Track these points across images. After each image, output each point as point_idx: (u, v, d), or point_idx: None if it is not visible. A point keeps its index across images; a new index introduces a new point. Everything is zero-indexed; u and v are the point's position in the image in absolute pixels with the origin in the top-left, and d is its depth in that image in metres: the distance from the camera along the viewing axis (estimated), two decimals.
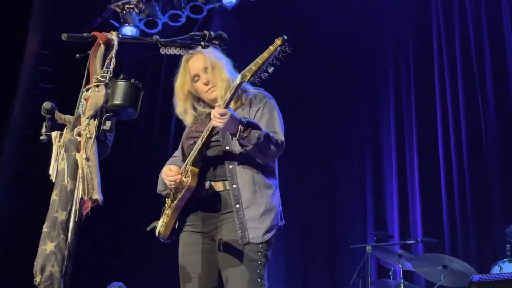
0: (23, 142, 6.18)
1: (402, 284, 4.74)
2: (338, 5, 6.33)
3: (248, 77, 2.38)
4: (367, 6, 6.34)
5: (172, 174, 2.63)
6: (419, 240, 4.94)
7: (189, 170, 2.56)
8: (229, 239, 2.55)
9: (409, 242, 4.94)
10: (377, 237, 5.03)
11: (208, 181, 2.61)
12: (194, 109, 2.83)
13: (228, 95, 2.43)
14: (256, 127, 2.49)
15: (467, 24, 5.84)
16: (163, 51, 2.31)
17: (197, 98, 2.85)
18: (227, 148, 2.62)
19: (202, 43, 2.34)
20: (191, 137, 2.77)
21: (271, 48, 2.40)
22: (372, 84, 6.35)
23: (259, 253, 2.55)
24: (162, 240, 2.69)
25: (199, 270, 2.63)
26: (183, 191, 2.55)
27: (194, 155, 2.57)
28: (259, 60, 2.39)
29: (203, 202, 2.61)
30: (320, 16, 6.32)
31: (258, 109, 2.70)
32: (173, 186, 2.64)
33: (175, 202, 2.60)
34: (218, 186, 2.62)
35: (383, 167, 6.00)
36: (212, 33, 2.36)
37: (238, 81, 2.41)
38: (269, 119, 2.69)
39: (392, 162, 5.89)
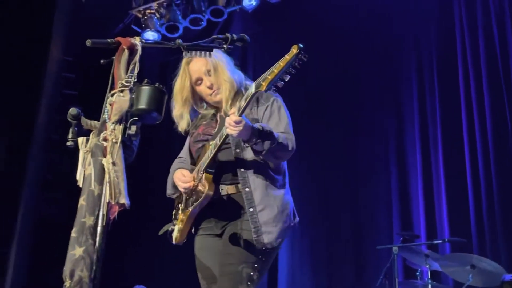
0: (49, 149, 6.25)
1: (429, 285, 4.69)
2: (359, 4, 6.30)
3: (264, 86, 2.34)
4: (390, 4, 6.30)
5: (186, 180, 2.64)
6: (446, 239, 4.87)
7: (203, 177, 2.57)
8: (238, 237, 2.56)
9: (436, 242, 4.88)
10: (403, 238, 4.98)
11: (220, 185, 2.62)
12: (191, 114, 2.83)
13: (243, 104, 2.41)
14: (269, 133, 2.47)
15: (490, 19, 5.76)
16: (185, 55, 2.32)
17: (198, 100, 2.84)
18: (238, 151, 2.62)
19: (225, 46, 2.35)
20: (199, 140, 2.77)
21: (286, 57, 2.35)
22: (395, 82, 6.30)
23: (260, 257, 2.55)
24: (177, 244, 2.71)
25: (214, 275, 2.64)
26: (200, 199, 2.56)
27: (208, 161, 2.57)
28: (275, 69, 2.35)
29: (216, 205, 2.62)
30: (343, 15, 6.29)
31: (266, 108, 2.69)
32: (186, 192, 2.64)
33: (189, 209, 2.61)
34: (231, 189, 2.62)
35: (407, 166, 5.94)
36: (234, 35, 2.37)
37: (253, 90, 2.39)
38: (278, 118, 2.68)
39: (416, 160, 5.83)
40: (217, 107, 2.81)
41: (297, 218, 2.73)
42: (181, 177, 2.67)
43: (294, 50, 2.34)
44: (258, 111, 2.68)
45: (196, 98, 2.83)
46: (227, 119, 2.41)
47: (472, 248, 5.19)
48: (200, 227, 2.72)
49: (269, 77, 2.34)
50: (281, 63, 2.34)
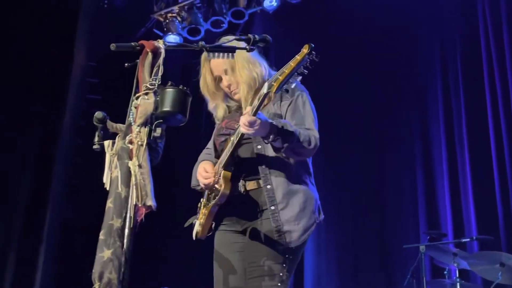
0: (74, 153, 6.31)
1: (458, 284, 4.64)
2: (381, 4, 6.26)
3: (275, 87, 2.30)
4: (412, 4, 6.25)
5: (207, 175, 2.62)
6: (474, 237, 4.81)
7: (221, 174, 2.55)
8: (261, 235, 2.53)
9: (464, 240, 4.83)
10: (430, 236, 4.93)
11: (241, 180, 2.60)
12: (226, 100, 2.81)
13: (256, 103, 2.38)
14: (288, 129, 2.44)
15: None
16: (209, 56, 2.33)
17: (225, 93, 2.82)
18: (259, 147, 2.59)
19: (247, 46, 2.35)
20: (222, 134, 2.75)
21: (297, 57, 2.30)
22: (420, 81, 6.26)
23: (287, 256, 2.52)
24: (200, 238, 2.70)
25: (234, 270, 2.62)
26: (217, 198, 2.55)
27: (226, 158, 2.55)
28: (286, 70, 2.31)
29: (237, 201, 2.59)
30: (364, 14, 6.26)
31: (290, 103, 2.64)
32: (207, 188, 2.65)
33: (209, 206, 2.60)
34: (251, 185, 2.59)
35: (433, 164, 5.89)
36: (256, 36, 2.37)
37: (265, 90, 2.35)
38: (302, 114, 2.63)
39: (442, 158, 5.78)
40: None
41: (322, 216, 2.68)
42: (203, 172, 2.65)
43: (304, 50, 2.31)
44: (281, 106, 2.64)
45: (223, 90, 2.81)
46: (241, 118, 2.39)
47: (500, 245, 5.13)
48: (221, 223, 2.70)
49: (280, 77, 2.30)
50: (292, 64, 2.30)
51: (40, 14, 5.88)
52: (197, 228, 2.67)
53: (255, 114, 2.36)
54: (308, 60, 2.31)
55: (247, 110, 2.40)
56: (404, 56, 6.36)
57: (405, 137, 6.17)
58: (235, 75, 2.68)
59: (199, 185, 2.73)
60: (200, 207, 2.74)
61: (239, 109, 2.78)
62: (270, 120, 2.42)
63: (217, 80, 2.77)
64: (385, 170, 6.18)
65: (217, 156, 2.72)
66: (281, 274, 2.49)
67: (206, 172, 2.65)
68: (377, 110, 6.33)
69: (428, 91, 6.15)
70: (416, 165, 5.98)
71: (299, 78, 2.36)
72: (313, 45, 2.31)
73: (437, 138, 5.92)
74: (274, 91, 2.31)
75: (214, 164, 2.69)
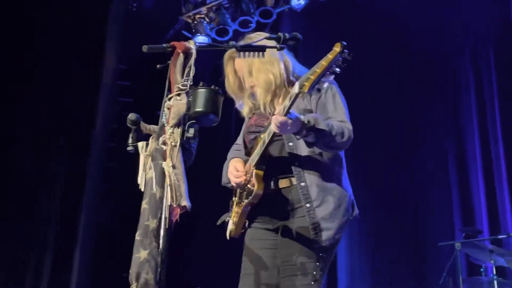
0: (106, 157, 6.38)
1: (495, 281, 4.57)
2: (412, 2, 6.19)
3: (307, 87, 2.26)
4: (445, 8, 6.18)
5: (238, 174, 2.60)
6: (511, 234, 4.74)
7: (253, 173, 2.53)
8: (295, 233, 2.50)
9: (500, 236, 4.76)
10: (465, 233, 4.87)
11: (273, 178, 2.58)
12: (253, 98, 2.77)
13: (288, 103, 2.34)
14: (320, 123, 2.40)
15: None
16: (239, 56, 2.33)
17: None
18: (291, 144, 2.56)
19: (278, 45, 2.34)
20: (252, 131, 2.73)
21: (329, 56, 2.27)
22: (452, 80, 6.18)
23: (320, 254, 2.49)
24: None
25: (265, 266, 2.59)
26: (250, 198, 2.53)
27: (258, 157, 2.53)
28: (317, 69, 2.26)
29: (269, 199, 2.56)
30: (394, 9, 6.20)
31: (320, 97, 2.60)
32: (239, 186, 2.63)
33: (242, 205, 2.59)
34: (284, 182, 2.57)
35: (467, 160, 5.82)
36: (286, 34, 2.36)
37: (296, 90, 2.31)
38: (334, 107, 2.58)
39: (476, 153, 5.70)
40: None
41: (357, 211, 2.64)
42: (234, 171, 2.64)
43: (336, 48, 2.27)
44: (311, 101, 2.60)
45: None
46: (272, 118, 2.37)
47: None
48: (254, 220, 2.68)
49: (311, 77, 2.26)
50: (324, 63, 2.27)
51: (69, 19, 5.95)
52: (230, 227, 2.66)
53: (286, 114, 2.34)
54: (341, 58, 2.28)
55: (278, 110, 2.37)
56: (436, 50, 6.27)
57: (438, 132, 6.10)
58: (252, 77, 2.67)
59: (229, 182, 2.73)
60: (232, 205, 2.74)
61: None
62: (301, 116, 2.39)
63: (241, 79, 2.75)
64: (419, 166, 6.12)
65: (247, 153, 2.71)
66: (314, 272, 2.46)
67: (237, 171, 2.63)
68: (409, 106, 6.26)
69: (461, 86, 6.07)
70: (449, 161, 5.91)
71: (332, 77, 2.33)
72: (345, 43, 2.28)
73: (470, 133, 5.84)
74: (306, 91, 2.28)
75: (245, 162, 2.69)
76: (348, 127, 2.51)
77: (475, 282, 4.93)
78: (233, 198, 2.74)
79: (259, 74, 2.64)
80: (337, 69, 2.30)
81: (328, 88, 2.62)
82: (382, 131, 6.21)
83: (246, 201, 2.56)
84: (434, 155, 6.07)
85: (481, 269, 4.88)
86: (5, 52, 5.56)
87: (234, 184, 2.65)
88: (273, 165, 2.58)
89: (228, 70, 2.77)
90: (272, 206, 2.59)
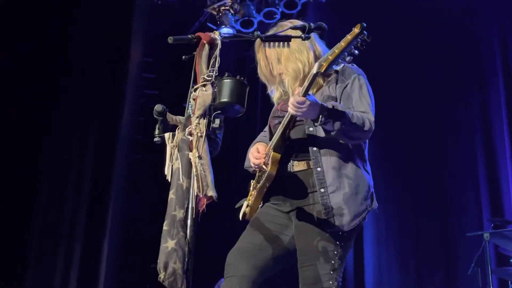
0: (133, 149, 6.44)
1: None
2: None
3: (325, 67, 2.32)
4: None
5: (258, 156, 2.59)
6: None
7: (270, 156, 2.52)
8: (310, 217, 2.48)
9: None
10: (494, 224, 4.80)
11: (291, 161, 2.57)
12: (283, 84, 2.75)
13: (306, 84, 2.34)
14: (340, 112, 2.38)
15: None
16: (265, 46, 2.33)
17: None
18: (311, 129, 2.54)
19: (303, 35, 2.33)
20: (276, 116, 2.72)
21: (348, 37, 2.32)
22: (480, 65, 6.09)
23: (338, 242, 2.46)
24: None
25: (261, 241, 2.58)
26: (264, 179, 2.52)
27: (276, 140, 2.53)
28: (336, 49, 2.32)
29: (285, 181, 2.55)
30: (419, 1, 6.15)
31: (346, 86, 2.58)
32: (257, 168, 2.62)
33: (258, 187, 2.58)
34: (301, 165, 2.55)
35: (495, 149, 5.73)
36: (312, 24, 2.35)
37: (314, 70, 2.35)
38: (358, 97, 2.55)
39: (504, 143, 5.61)
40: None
41: (376, 204, 2.60)
42: (255, 152, 2.63)
43: (356, 29, 2.31)
44: (336, 89, 2.57)
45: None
46: (290, 99, 2.36)
47: None
48: (270, 201, 2.66)
49: (330, 57, 2.32)
50: (343, 43, 2.32)
51: (95, 13, 6.00)
52: (244, 209, 2.66)
53: (304, 94, 2.33)
54: (359, 40, 2.31)
55: (297, 91, 2.37)
56: (464, 40, 6.19)
57: (466, 122, 6.02)
58: (282, 65, 2.66)
59: (251, 166, 2.73)
60: (250, 189, 2.73)
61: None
62: (320, 102, 2.38)
63: (272, 66, 2.74)
64: (446, 157, 6.06)
65: (271, 138, 2.70)
66: (333, 261, 2.44)
67: (258, 152, 2.62)
68: (437, 98, 6.19)
69: (489, 77, 5.98)
70: (477, 151, 5.83)
71: (349, 58, 2.34)
72: (364, 25, 2.31)
73: (498, 122, 5.75)
74: (322, 70, 2.32)
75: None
76: (370, 118, 2.48)
77: (504, 272, 4.87)
78: (251, 182, 2.74)
79: (287, 62, 2.63)
80: (356, 51, 2.33)
81: (356, 78, 2.59)
82: (409, 123, 6.15)
83: (262, 182, 2.55)
84: (462, 145, 6.00)
85: (511, 260, 4.81)
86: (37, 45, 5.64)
87: (253, 165, 2.63)
88: (292, 149, 2.57)
89: (260, 56, 2.75)
90: (287, 188, 2.58)
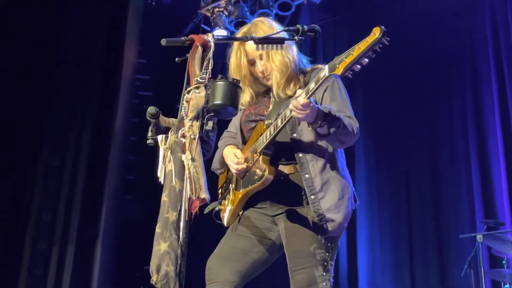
0: (127, 150, 6.43)
1: None
2: None
3: (341, 70, 2.18)
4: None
5: (239, 161, 2.57)
6: None
7: (260, 159, 2.49)
8: (303, 220, 2.48)
9: None
10: (487, 225, 4.82)
11: (278, 164, 2.54)
12: (252, 86, 2.72)
13: (313, 86, 2.30)
14: (335, 116, 2.37)
15: None
16: (258, 48, 2.33)
17: (254, 78, 2.72)
18: (295, 135, 2.54)
19: (296, 37, 2.34)
20: (251, 120, 2.69)
21: (368, 40, 2.17)
22: (473, 68, 6.11)
23: (329, 244, 2.48)
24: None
25: (243, 245, 2.58)
26: (258, 183, 2.48)
27: (266, 143, 2.49)
28: (353, 52, 2.18)
29: (272, 186, 2.51)
30: (413, 1, 6.15)
31: (326, 89, 2.56)
32: (238, 174, 2.58)
33: (244, 191, 2.54)
34: (287, 169, 2.54)
35: (488, 151, 5.75)
36: (305, 26, 2.35)
37: (326, 72, 2.26)
38: (341, 101, 2.55)
39: (498, 145, 5.63)
40: (269, 86, 2.71)
41: (358, 202, 2.64)
42: (233, 157, 2.60)
43: (376, 33, 2.17)
44: (316, 92, 2.48)
45: (253, 76, 2.72)
46: (293, 101, 2.32)
47: None
48: (252, 207, 2.63)
49: (346, 60, 2.18)
50: (361, 46, 2.17)
51: (89, 15, 6.00)
52: (228, 216, 2.62)
53: (309, 97, 2.30)
54: (380, 45, 2.19)
55: (299, 93, 2.32)
56: (456, 43, 6.21)
57: (460, 124, 6.04)
58: (269, 60, 2.61)
59: (221, 169, 2.70)
60: (223, 193, 2.71)
61: (267, 95, 2.72)
62: (318, 106, 2.37)
63: (250, 64, 2.68)
64: (440, 159, 6.07)
65: (244, 142, 2.68)
66: (325, 263, 2.46)
67: (237, 157, 2.59)
68: (431, 100, 6.21)
69: (483, 79, 5.99)
70: (471, 153, 5.84)
71: (366, 61, 2.20)
72: (384, 29, 2.18)
73: (492, 125, 5.77)
74: (339, 73, 2.20)
75: (241, 150, 2.65)
76: (355, 124, 2.49)
77: (497, 274, 4.90)
78: (227, 185, 2.70)
79: (276, 57, 2.59)
80: (373, 54, 2.20)
81: (334, 81, 2.58)
82: (404, 124, 6.16)
83: (251, 186, 2.52)
84: (456, 147, 6.01)
85: (503, 261, 4.84)
86: (28, 49, 5.63)
87: (234, 171, 2.60)
88: (277, 152, 2.55)
89: (240, 54, 2.68)
90: (275, 194, 2.56)
